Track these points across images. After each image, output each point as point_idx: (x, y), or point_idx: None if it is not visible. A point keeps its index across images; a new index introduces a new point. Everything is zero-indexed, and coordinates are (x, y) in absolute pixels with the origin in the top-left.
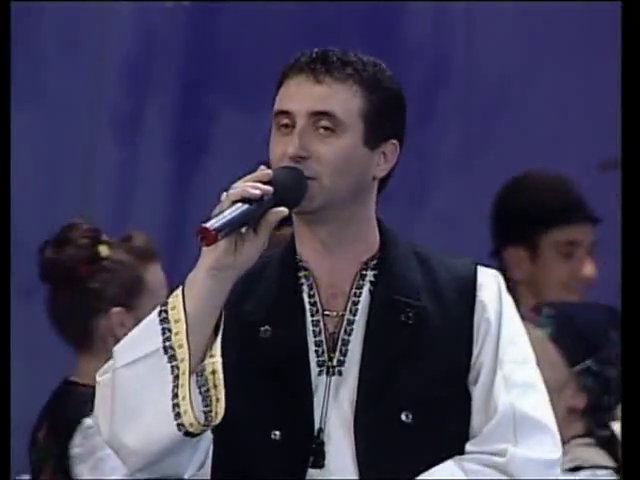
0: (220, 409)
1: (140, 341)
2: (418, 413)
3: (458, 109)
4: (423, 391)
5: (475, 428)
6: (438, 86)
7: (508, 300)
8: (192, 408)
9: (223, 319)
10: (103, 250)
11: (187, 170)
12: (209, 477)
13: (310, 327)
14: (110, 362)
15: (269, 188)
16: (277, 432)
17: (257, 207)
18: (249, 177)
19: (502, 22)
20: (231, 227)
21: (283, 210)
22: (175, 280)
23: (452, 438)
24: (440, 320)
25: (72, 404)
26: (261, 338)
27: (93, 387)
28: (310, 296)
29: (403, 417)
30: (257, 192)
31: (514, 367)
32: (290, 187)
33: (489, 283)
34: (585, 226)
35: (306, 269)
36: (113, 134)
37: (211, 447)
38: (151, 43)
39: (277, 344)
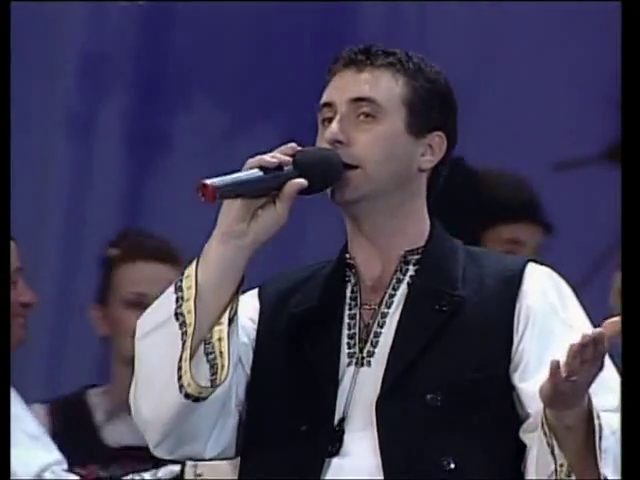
0: (224, 376)
1: (157, 310)
2: (444, 396)
3: None
4: (452, 375)
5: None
6: None
7: (563, 292)
8: (190, 369)
9: (241, 289)
10: None
11: (143, 169)
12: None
13: (346, 320)
14: None
15: (287, 158)
16: (304, 422)
17: (273, 176)
18: (276, 150)
19: (455, 23)
20: (234, 189)
21: (302, 181)
22: None
23: (481, 423)
24: (479, 309)
25: None
26: (300, 330)
27: None
28: (353, 291)
29: (428, 400)
30: (274, 160)
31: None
32: (315, 163)
33: (537, 274)
34: (532, 227)
35: (353, 266)
36: (67, 134)
37: (232, 434)
38: (106, 42)
39: (311, 336)
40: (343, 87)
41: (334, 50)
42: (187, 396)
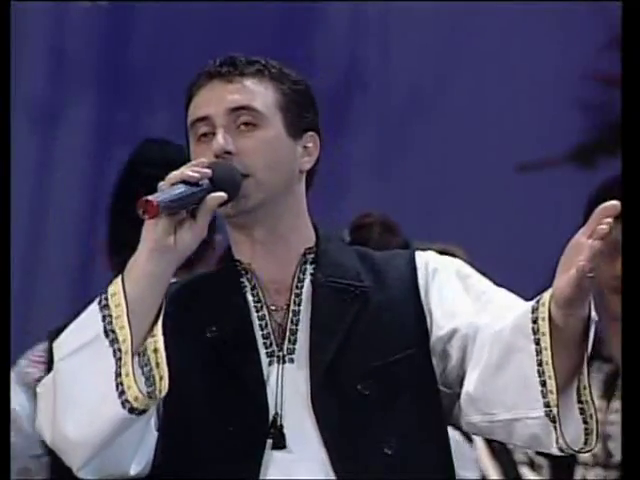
0: (163, 387)
1: (79, 331)
2: (373, 384)
3: (374, 112)
4: (375, 361)
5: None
6: (354, 89)
7: (450, 260)
8: (136, 383)
9: (165, 304)
10: None
11: (107, 164)
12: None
13: (257, 322)
14: (50, 375)
15: (207, 171)
16: (230, 426)
17: (197, 191)
18: (187, 165)
19: (418, 24)
20: (172, 204)
21: (222, 195)
22: (94, 269)
23: (411, 402)
24: (384, 295)
25: None
26: (208, 337)
27: None
28: (253, 295)
29: (360, 389)
30: (196, 175)
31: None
32: (226, 176)
33: (425, 255)
34: None
35: (247, 271)
36: (32, 130)
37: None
38: (69, 41)
39: (224, 341)
40: (217, 99)
41: (297, 52)
42: (132, 410)
